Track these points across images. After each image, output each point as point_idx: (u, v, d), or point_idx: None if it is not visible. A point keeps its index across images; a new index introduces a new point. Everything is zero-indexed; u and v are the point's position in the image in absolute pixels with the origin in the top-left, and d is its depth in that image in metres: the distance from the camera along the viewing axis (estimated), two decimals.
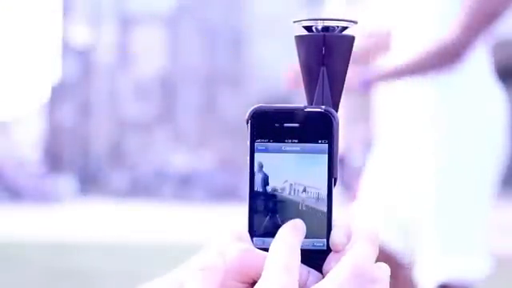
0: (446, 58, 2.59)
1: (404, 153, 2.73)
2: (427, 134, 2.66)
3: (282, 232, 0.68)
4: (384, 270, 0.67)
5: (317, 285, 0.66)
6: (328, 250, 0.70)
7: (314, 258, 0.68)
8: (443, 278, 2.54)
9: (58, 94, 22.47)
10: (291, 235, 0.67)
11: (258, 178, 0.71)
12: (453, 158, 2.62)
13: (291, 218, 0.70)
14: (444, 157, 2.62)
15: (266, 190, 0.71)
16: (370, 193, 2.78)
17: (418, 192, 2.66)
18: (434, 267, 2.56)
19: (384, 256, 2.66)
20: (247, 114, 0.71)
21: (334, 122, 0.70)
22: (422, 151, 2.66)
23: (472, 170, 2.61)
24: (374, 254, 0.67)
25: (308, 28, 0.73)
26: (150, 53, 22.00)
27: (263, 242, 0.70)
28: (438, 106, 2.66)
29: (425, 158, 2.65)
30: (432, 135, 2.65)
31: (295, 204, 0.70)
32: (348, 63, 0.73)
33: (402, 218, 2.72)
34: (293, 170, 0.70)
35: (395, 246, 2.71)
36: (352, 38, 0.73)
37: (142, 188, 20.61)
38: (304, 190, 0.70)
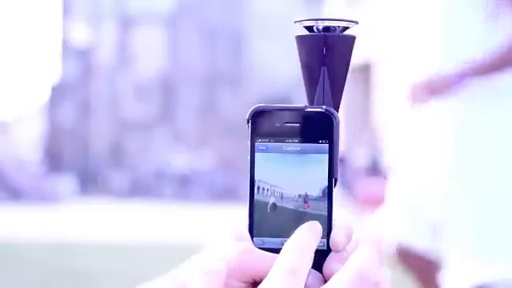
0: None
1: (432, 158, 2.70)
2: (453, 139, 2.65)
3: (297, 233, 0.68)
4: (385, 273, 0.68)
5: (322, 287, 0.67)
6: (328, 250, 0.70)
7: (314, 258, 0.68)
8: (477, 282, 2.54)
9: (58, 93, 22.46)
10: (306, 237, 0.68)
11: (258, 178, 0.71)
12: (484, 162, 2.61)
13: (292, 219, 0.70)
14: (476, 161, 2.62)
15: (265, 190, 0.71)
16: (398, 196, 2.76)
17: (449, 195, 2.65)
18: (468, 271, 2.55)
19: (415, 258, 2.65)
20: (248, 114, 0.71)
21: (335, 122, 0.70)
22: (451, 156, 2.65)
23: (501, 174, 2.61)
24: (379, 258, 0.68)
25: (309, 28, 0.73)
26: (150, 53, 22.00)
27: (263, 242, 0.71)
28: (462, 111, 2.64)
29: (456, 162, 2.64)
30: (458, 140, 2.64)
31: (295, 204, 0.70)
32: (349, 63, 0.73)
33: (430, 220, 2.70)
34: (293, 170, 0.70)
35: (424, 247, 2.69)
36: (353, 38, 0.73)
37: (142, 188, 20.61)
38: (304, 191, 0.70)
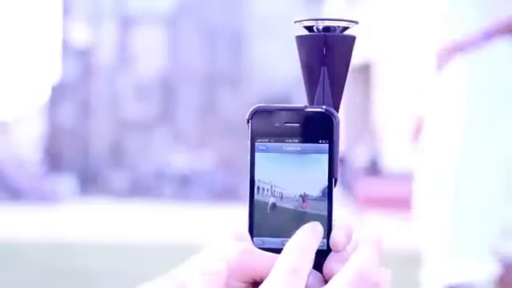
0: None
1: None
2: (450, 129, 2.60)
3: (298, 233, 0.68)
4: (386, 273, 0.68)
5: None
6: (328, 250, 0.70)
7: (315, 259, 0.68)
8: (451, 281, 2.52)
9: (58, 93, 22.46)
10: (307, 237, 0.68)
11: (258, 178, 0.71)
12: (468, 161, 2.58)
13: (292, 219, 0.70)
14: (459, 159, 2.59)
15: (265, 190, 0.71)
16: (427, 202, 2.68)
17: (434, 192, 2.61)
18: (442, 269, 2.53)
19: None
20: (248, 114, 0.71)
21: (335, 122, 0.70)
22: (440, 151, 2.62)
23: (486, 172, 2.57)
24: (379, 258, 0.68)
25: (309, 28, 0.73)
26: (150, 53, 22.00)
27: (263, 242, 0.71)
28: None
29: (442, 158, 2.61)
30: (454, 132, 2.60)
31: (295, 204, 0.70)
32: (349, 63, 0.73)
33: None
34: (293, 169, 0.70)
35: None
36: (353, 38, 0.73)
37: (142, 188, 20.61)
38: (303, 191, 0.70)
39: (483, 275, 2.51)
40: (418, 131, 2.80)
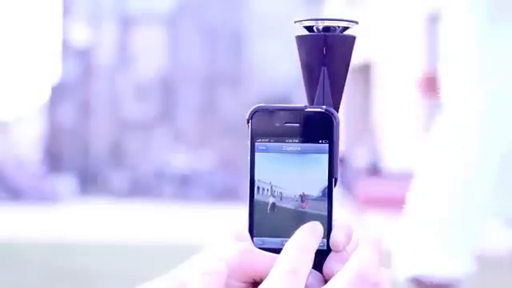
0: None
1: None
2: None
3: (298, 233, 0.68)
4: (386, 273, 0.68)
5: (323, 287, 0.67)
6: (328, 250, 0.70)
7: (315, 258, 0.68)
8: (416, 272, 2.48)
9: (58, 93, 22.46)
10: (306, 237, 0.68)
11: (258, 178, 0.71)
12: (448, 151, 2.53)
13: (292, 219, 0.70)
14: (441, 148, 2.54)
15: (265, 190, 0.71)
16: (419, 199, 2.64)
17: (421, 187, 2.58)
18: (410, 260, 2.50)
19: None
20: (248, 114, 0.71)
21: (335, 122, 0.70)
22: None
23: (469, 166, 2.53)
24: (379, 258, 0.68)
25: (309, 28, 0.73)
26: (150, 53, 22.00)
27: (263, 242, 0.71)
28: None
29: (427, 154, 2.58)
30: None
31: (294, 204, 0.70)
32: (349, 63, 0.73)
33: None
34: (293, 169, 0.70)
35: None
36: (353, 38, 0.73)
37: (142, 188, 20.61)
38: (303, 191, 0.70)
39: (455, 271, 2.47)
40: (429, 84, 2.75)
